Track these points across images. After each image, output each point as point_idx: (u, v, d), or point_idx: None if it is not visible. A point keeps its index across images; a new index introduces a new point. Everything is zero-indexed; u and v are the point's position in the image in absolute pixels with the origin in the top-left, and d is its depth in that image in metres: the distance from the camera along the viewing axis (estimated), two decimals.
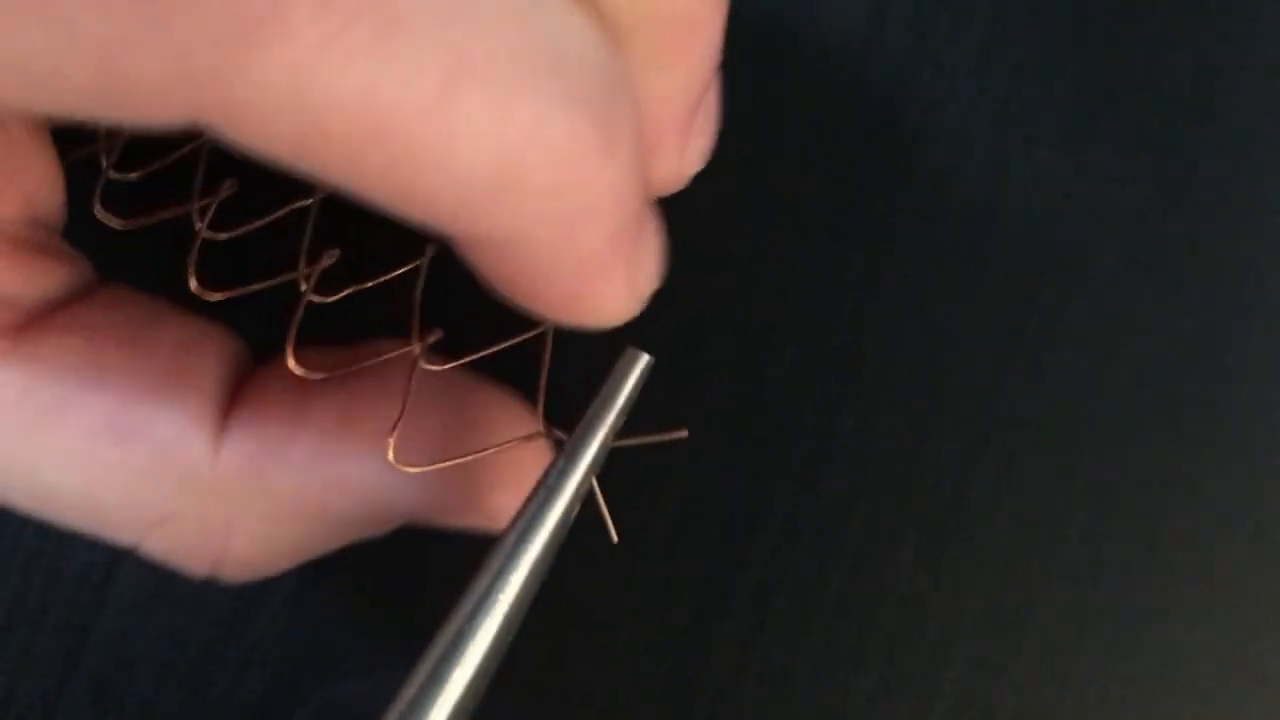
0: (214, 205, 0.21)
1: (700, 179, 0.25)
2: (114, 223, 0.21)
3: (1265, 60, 0.25)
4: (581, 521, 0.23)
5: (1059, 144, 0.24)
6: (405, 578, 0.23)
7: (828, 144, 0.25)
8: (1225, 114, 0.25)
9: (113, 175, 0.21)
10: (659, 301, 0.24)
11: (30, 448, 0.17)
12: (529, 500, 0.17)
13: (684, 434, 0.20)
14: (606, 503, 0.19)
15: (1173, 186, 0.24)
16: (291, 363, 0.19)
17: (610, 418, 0.18)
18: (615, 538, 0.19)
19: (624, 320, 0.17)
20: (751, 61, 0.25)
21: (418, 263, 0.20)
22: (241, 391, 0.19)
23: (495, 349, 0.19)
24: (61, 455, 0.17)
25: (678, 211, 0.25)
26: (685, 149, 0.18)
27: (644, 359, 0.18)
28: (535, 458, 0.19)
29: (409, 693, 0.16)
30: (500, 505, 0.19)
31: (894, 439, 0.24)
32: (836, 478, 0.24)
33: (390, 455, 0.18)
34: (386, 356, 0.20)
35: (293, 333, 0.19)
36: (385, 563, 0.23)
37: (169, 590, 0.23)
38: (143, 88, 0.11)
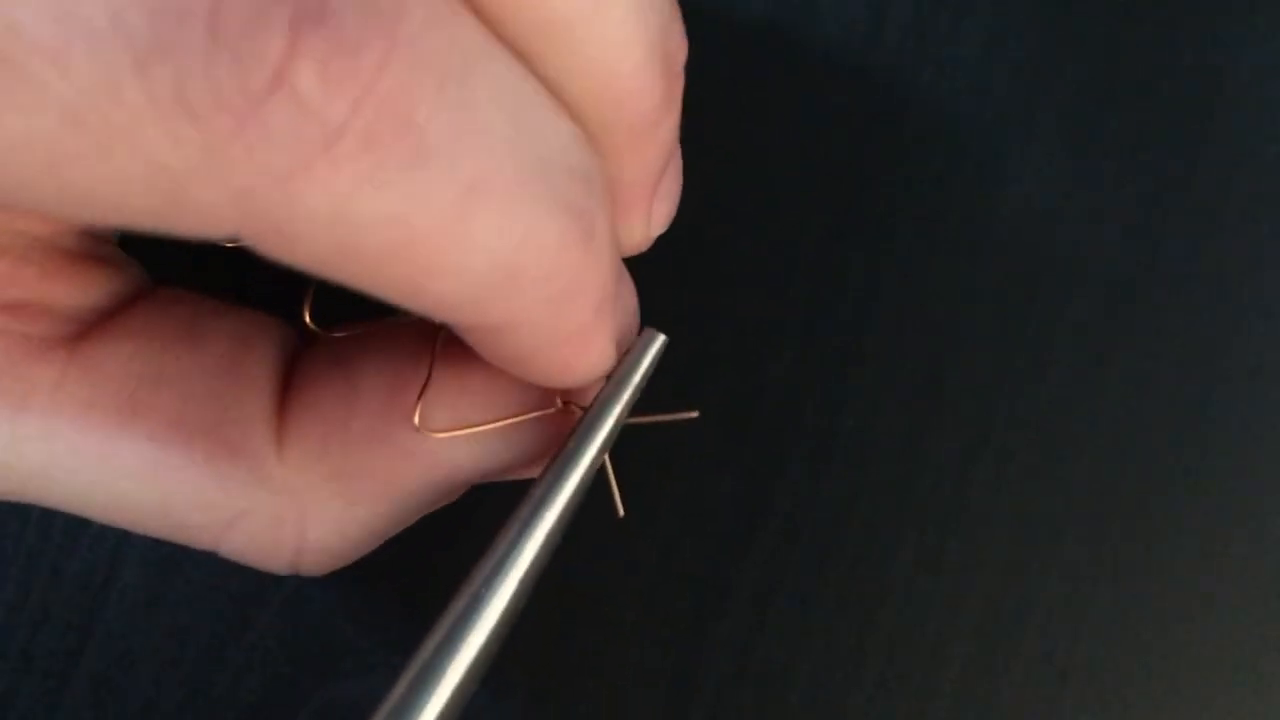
0: None
1: (701, 180, 0.25)
2: None
3: (1265, 60, 0.25)
4: (582, 521, 0.23)
5: (1059, 144, 0.24)
6: (405, 578, 0.23)
7: (828, 144, 0.25)
8: (1225, 114, 0.25)
9: None
10: (659, 302, 0.24)
11: (99, 457, 0.17)
12: (544, 472, 0.17)
13: (695, 414, 0.20)
14: (616, 480, 0.19)
15: (1173, 186, 0.24)
16: (307, 317, 0.19)
17: (626, 394, 0.18)
18: (621, 512, 0.19)
19: (597, 378, 0.18)
20: (752, 61, 0.25)
21: None
22: (293, 377, 0.19)
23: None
24: (131, 463, 0.17)
25: (679, 212, 0.25)
26: (651, 217, 0.19)
27: (660, 338, 0.18)
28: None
29: (423, 656, 0.16)
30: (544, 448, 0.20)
31: (894, 439, 0.24)
32: (836, 478, 0.24)
33: (416, 419, 0.18)
34: (406, 320, 0.20)
35: (310, 292, 0.20)
36: (385, 563, 0.23)
37: (169, 590, 0.23)
38: (197, 210, 0.12)
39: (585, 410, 0.18)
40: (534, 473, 0.19)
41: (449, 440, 0.18)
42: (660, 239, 0.25)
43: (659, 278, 0.24)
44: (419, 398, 0.18)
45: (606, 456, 0.18)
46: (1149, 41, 0.25)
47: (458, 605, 0.16)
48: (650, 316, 0.24)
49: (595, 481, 0.18)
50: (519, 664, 0.23)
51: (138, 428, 0.17)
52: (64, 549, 0.23)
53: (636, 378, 0.18)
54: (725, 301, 0.24)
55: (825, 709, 0.23)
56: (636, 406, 0.18)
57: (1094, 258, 0.24)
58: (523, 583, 0.17)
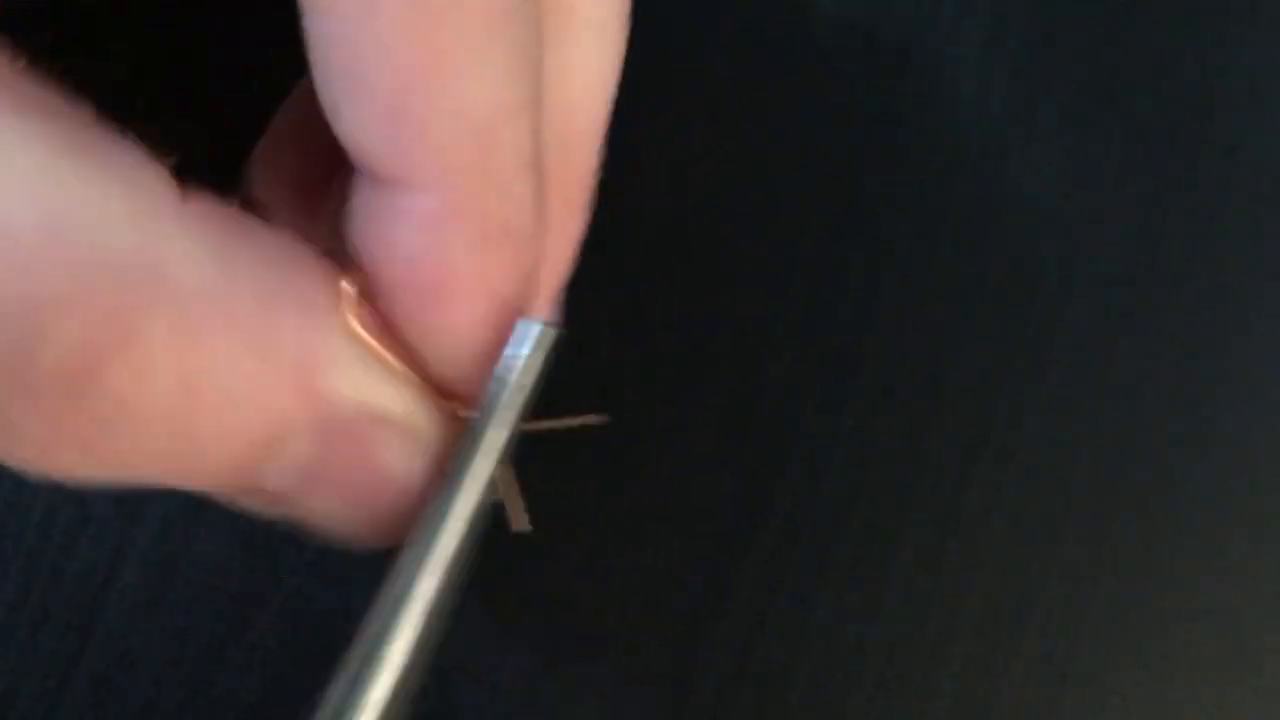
0: None
1: (701, 179, 0.25)
2: None
3: (1265, 60, 0.25)
4: (581, 524, 0.23)
5: (1059, 144, 0.24)
6: None
7: (828, 144, 0.25)
8: (1225, 114, 0.25)
9: None
10: (659, 302, 0.24)
11: None
12: (434, 495, 0.16)
13: (604, 419, 0.19)
14: (523, 492, 0.17)
15: (1173, 186, 0.24)
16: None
17: (508, 394, 0.16)
18: (526, 528, 0.17)
19: (454, 372, 0.16)
20: (752, 61, 0.25)
21: None
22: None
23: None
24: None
25: (679, 210, 0.25)
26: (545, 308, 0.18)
27: (536, 328, 0.16)
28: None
29: (331, 702, 0.15)
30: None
31: (894, 439, 0.24)
32: (836, 478, 0.24)
33: (351, 322, 0.15)
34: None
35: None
36: (385, 563, 0.23)
37: (169, 590, 0.23)
38: None
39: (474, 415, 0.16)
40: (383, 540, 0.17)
41: (331, 341, 0.15)
42: (661, 238, 0.25)
43: (660, 278, 0.24)
44: (348, 283, 0.15)
45: (504, 467, 0.16)
46: (1149, 41, 0.25)
47: (358, 650, 0.15)
48: (651, 316, 0.24)
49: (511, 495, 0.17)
50: (516, 664, 0.23)
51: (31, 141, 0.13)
52: (64, 549, 0.23)
53: (519, 378, 0.16)
54: (725, 301, 0.24)
55: (825, 709, 0.23)
56: (540, 411, 0.16)
57: (1094, 258, 0.24)
58: (427, 616, 0.15)
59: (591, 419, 0.19)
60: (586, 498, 0.23)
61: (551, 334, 0.16)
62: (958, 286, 0.24)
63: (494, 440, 0.16)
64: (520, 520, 0.17)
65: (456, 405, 0.17)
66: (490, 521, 0.16)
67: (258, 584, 0.23)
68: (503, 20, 0.14)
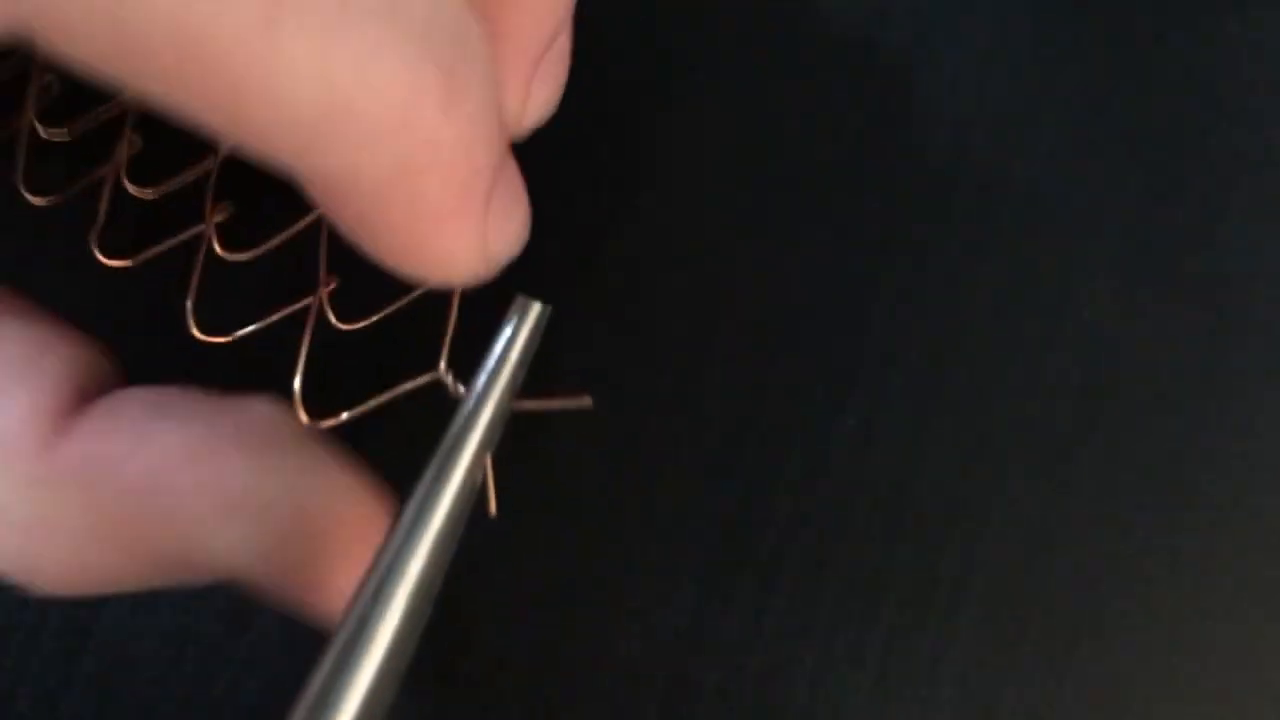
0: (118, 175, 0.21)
1: (701, 179, 0.25)
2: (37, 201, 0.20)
3: (1265, 60, 0.25)
4: (580, 523, 0.23)
5: (1059, 144, 0.24)
6: None
7: (828, 144, 0.25)
8: (1225, 114, 0.25)
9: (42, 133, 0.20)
10: (659, 302, 0.24)
11: None
12: (425, 470, 0.16)
13: (588, 402, 0.19)
14: (495, 473, 0.17)
15: (1173, 186, 0.24)
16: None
17: (507, 372, 0.16)
18: (494, 512, 0.18)
19: (471, 278, 0.16)
20: (752, 61, 0.25)
21: (316, 215, 0.20)
22: (96, 402, 0.17)
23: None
24: None
25: (679, 210, 0.25)
26: (529, 97, 0.17)
27: (536, 308, 0.17)
28: (375, 537, 0.17)
29: (316, 684, 0.15)
30: (337, 586, 0.17)
31: (894, 439, 0.24)
32: (836, 479, 0.24)
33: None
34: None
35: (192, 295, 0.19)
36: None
37: (169, 590, 0.23)
38: None
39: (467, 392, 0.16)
40: (315, 603, 0.17)
41: (213, 524, 0.16)
42: (660, 238, 0.25)
43: (660, 277, 0.24)
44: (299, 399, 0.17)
45: (488, 450, 0.16)
46: (1149, 41, 0.25)
47: (344, 630, 0.15)
48: (649, 314, 0.24)
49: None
50: (517, 665, 0.23)
51: None
52: None
53: (515, 355, 0.16)
54: (725, 301, 0.24)
55: (825, 709, 0.23)
56: (526, 391, 0.17)
57: (1094, 257, 0.24)
58: (413, 596, 0.15)
59: (576, 402, 0.19)
60: (586, 498, 0.23)
61: (546, 311, 0.16)
62: (958, 286, 0.24)
63: (486, 417, 0.16)
64: (492, 505, 0.17)
65: (455, 383, 0.17)
66: (472, 505, 0.16)
67: None
68: None
